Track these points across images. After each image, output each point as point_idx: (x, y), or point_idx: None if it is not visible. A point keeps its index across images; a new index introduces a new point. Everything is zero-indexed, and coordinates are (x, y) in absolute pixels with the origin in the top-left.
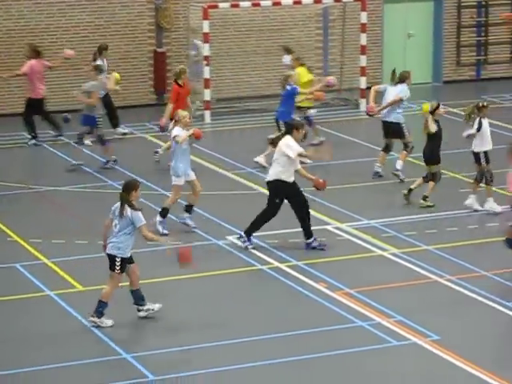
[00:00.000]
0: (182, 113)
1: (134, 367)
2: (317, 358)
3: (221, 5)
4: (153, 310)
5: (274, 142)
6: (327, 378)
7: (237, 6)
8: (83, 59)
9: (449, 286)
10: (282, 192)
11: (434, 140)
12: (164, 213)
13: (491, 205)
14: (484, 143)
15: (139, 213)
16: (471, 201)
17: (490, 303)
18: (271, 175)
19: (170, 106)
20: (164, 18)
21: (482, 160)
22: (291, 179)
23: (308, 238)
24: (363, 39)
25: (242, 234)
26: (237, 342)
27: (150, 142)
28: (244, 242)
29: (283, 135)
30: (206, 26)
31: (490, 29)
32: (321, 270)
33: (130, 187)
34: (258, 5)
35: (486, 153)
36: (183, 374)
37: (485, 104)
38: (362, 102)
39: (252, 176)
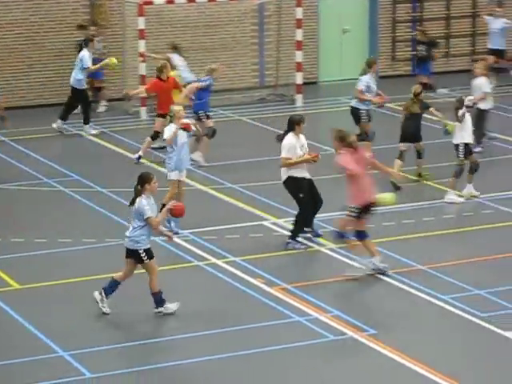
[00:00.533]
0: (175, 108)
1: (71, 365)
2: (255, 354)
3: (156, 1)
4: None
5: (279, 140)
6: (266, 374)
7: (172, 2)
8: (16, 57)
9: (385, 281)
10: (300, 186)
11: (418, 119)
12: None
13: (451, 196)
14: (464, 135)
15: (146, 205)
16: (466, 191)
17: (424, 296)
18: (282, 175)
19: (142, 88)
20: (99, 15)
21: (461, 152)
22: (303, 174)
23: (308, 227)
24: (299, 35)
25: (288, 240)
26: (173, 338)
27: (87, 139)
28: (294, 246)
29: (286, 132)
30: (141, 23)
31: (425, 24)
32: (258, 265)
33: (143, 180)
34: (193, 1)
35: (466, 145)
36: (120, 372)
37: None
38: (298, 97)
39: (189, 172)
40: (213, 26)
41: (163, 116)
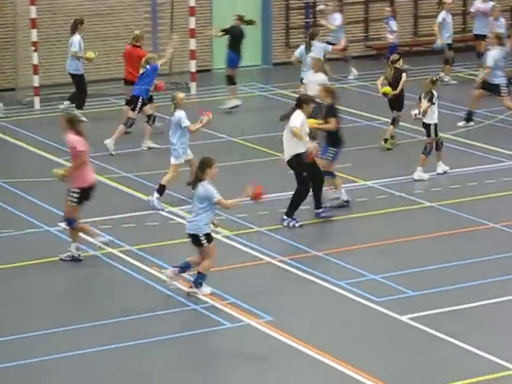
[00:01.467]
0: (178, 95)
1: None
2: (153, 342)
3: None
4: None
5: (285, 119)
6: (159, 363)
7: None
8: None
9: (281, 267)
10: (304, 164)
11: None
12: (161, 190)
13: (420, 174)
14: (434, 116)
15: (213, 189)
16: (419, 173)
17: (320, 282)
18: (287, 153)
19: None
20: None
21: (432, 132)
22: (303, 149)
23: (317, 208)
24: (192, 23)
25: (284, 217)
26: (66, 329)
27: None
28: (289, 223)
29: (293, 110)
30: (33, 12)
31: (317, 11)
32: (153, 254)
33: (204, 165)
34: None
35: (436, 125)
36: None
37: (437, 78)
38: (193, 85)
39: None
40: (106, 14)
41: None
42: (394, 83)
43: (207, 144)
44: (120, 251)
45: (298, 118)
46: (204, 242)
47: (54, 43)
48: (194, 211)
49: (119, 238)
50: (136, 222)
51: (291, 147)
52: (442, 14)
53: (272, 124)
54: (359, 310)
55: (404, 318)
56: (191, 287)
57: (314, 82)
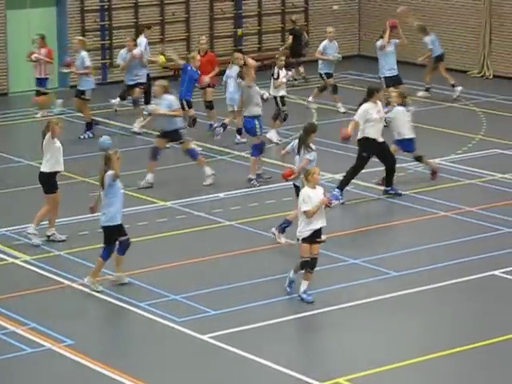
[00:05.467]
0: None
1: None
2: None
3: None
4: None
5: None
6: None
7: None
8: None
9: (82, 290)
10: (369, 149)
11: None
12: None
13: (272, 135)
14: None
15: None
16: (271, 134)
17: (123, 304)
18: (359, 134)
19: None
20: None
21: (279, 103)
22: (378, 138)
23: (388, 186)
24: None
25: (336, 190)
26: None
27: None
28: (338, 196)
29: (364, 101)
30: None
31: (113, 32)
32: None
33: (309, 130)
34: None
35: (282, 97)
36: None
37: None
38: None
39: None
40: None
41: None
42: None
43: None
44: None
45: (360, 109)
46: None
47: None
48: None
49: None
50: None
51: (362, 128)
52: (324, 43)
53: None
54: (161, 330)
55: (205, 337)
56: (276, 229)
57: None
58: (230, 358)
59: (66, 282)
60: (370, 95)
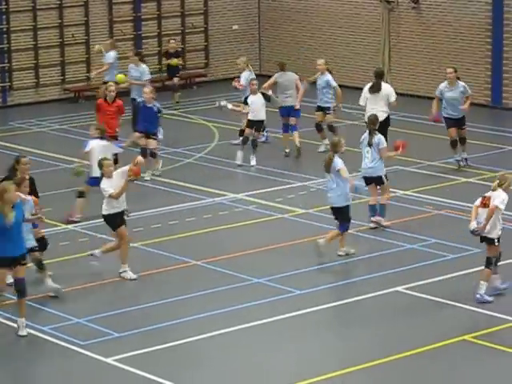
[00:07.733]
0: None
1: None
2: None
3: None
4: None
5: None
6: None
7: None
8: None
9: None
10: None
11: None
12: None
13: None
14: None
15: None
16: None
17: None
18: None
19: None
20: None
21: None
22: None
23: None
24: None
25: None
26: None
27: None
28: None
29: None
30: None
31: (13, 55)
32: None
33: (376, 119)
34: None
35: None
36: None
37: None
38: None
39: None
40: None
41: None
42: None
43: None
44: None
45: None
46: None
47: None
48: (368, 159)
49: None
50: None
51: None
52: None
53: None
54: (65, 354)
55: (109, 360)
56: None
57: None
58: (134, 380)
59: None
60: None
